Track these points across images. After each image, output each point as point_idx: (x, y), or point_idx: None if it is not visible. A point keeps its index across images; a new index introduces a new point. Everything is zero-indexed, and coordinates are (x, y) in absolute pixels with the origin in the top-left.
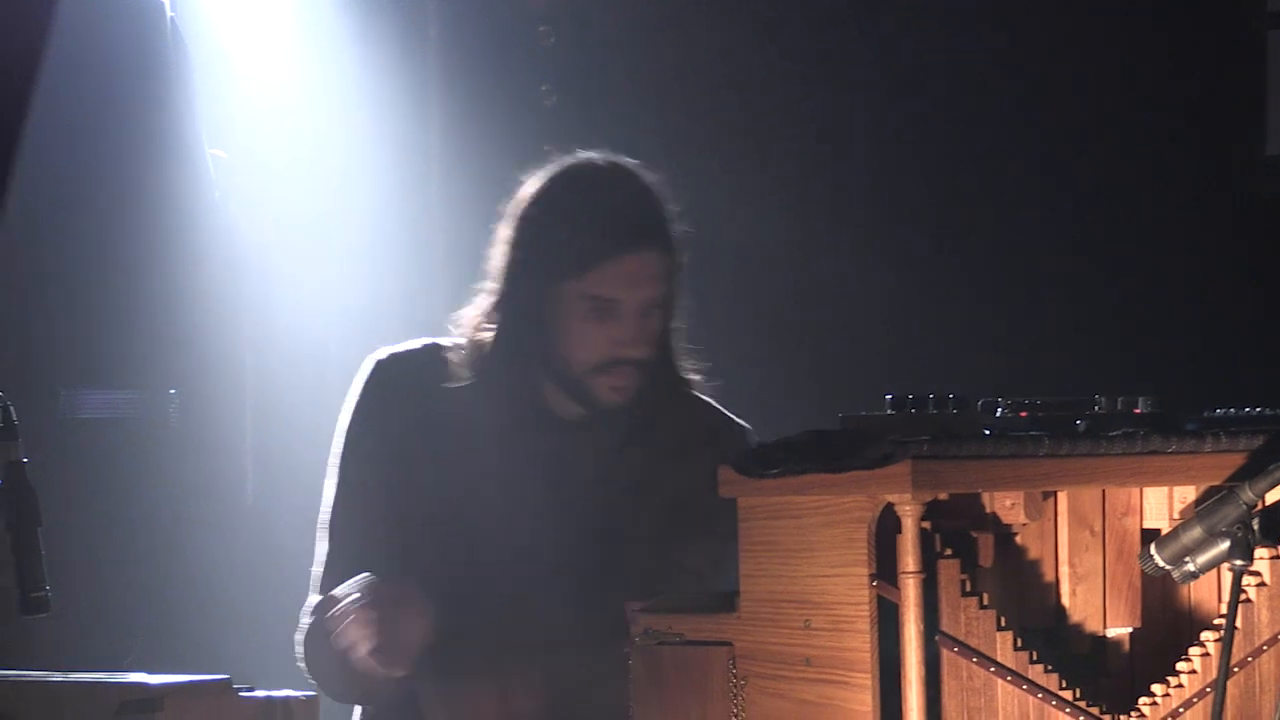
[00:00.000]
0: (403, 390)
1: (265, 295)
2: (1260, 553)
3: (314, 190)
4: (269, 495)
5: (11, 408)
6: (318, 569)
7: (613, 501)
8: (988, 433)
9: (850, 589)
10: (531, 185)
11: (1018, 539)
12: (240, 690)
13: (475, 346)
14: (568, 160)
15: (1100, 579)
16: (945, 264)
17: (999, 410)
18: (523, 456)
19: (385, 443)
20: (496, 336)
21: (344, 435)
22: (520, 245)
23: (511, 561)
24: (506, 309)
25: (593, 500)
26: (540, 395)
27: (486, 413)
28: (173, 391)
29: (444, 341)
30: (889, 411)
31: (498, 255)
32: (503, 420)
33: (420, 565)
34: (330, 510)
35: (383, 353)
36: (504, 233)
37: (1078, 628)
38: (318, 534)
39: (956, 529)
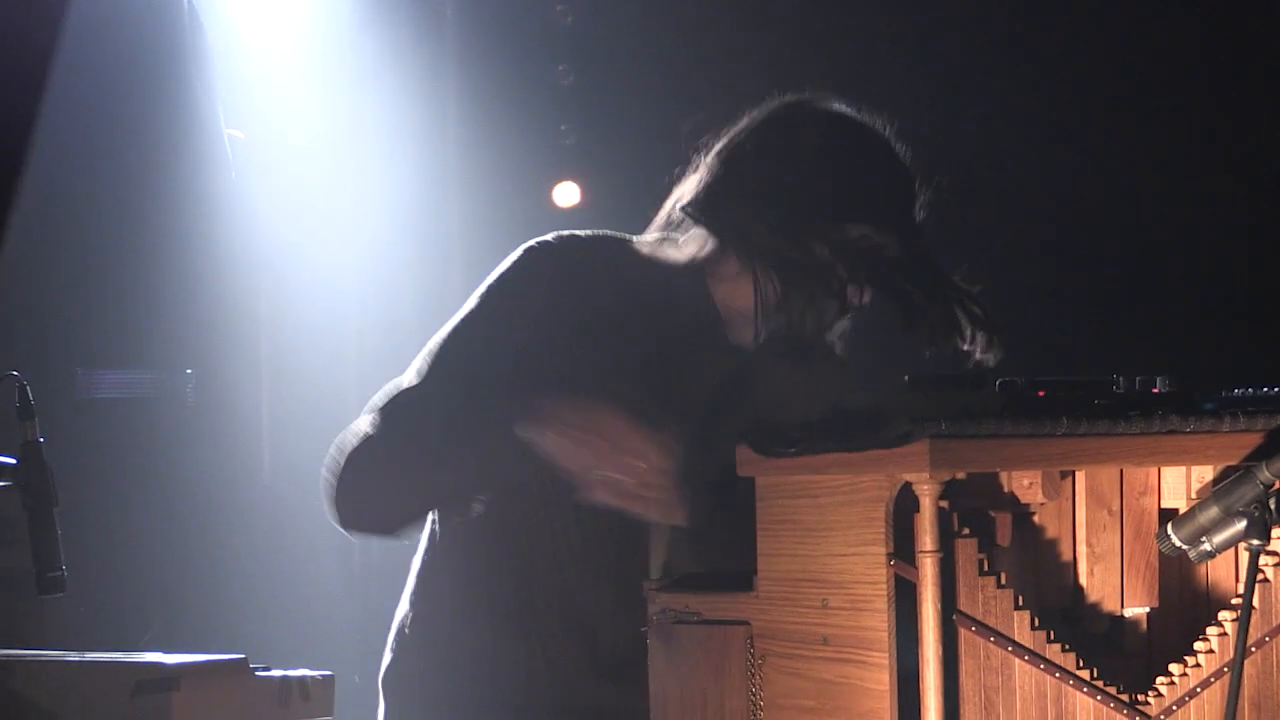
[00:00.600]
0: (593, 276)
1: (281, 275)
2: (1277, 532)
3: (330, 170)
4: (285, 474)
5: (28, 388)
6: (401, 383)
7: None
8: (1006, 412)
9: (868, 568)
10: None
11: (1035, 518)
12: (256, 669)
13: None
14: (841, 113)
15: (1118, 558)
16: (963, 244)
17: (1017, 390)
18: (700, 372)
19: (559, 315)
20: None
21: (508, 290)
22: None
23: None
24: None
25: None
26: (719, 322)
27: (683, 324)
28: (189, 371)
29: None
30: (908, 390)
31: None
32: (702, 337)
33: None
34: (459, 347)
35: (562, 236)
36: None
37: (1095, 607)
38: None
39: (974, 508)
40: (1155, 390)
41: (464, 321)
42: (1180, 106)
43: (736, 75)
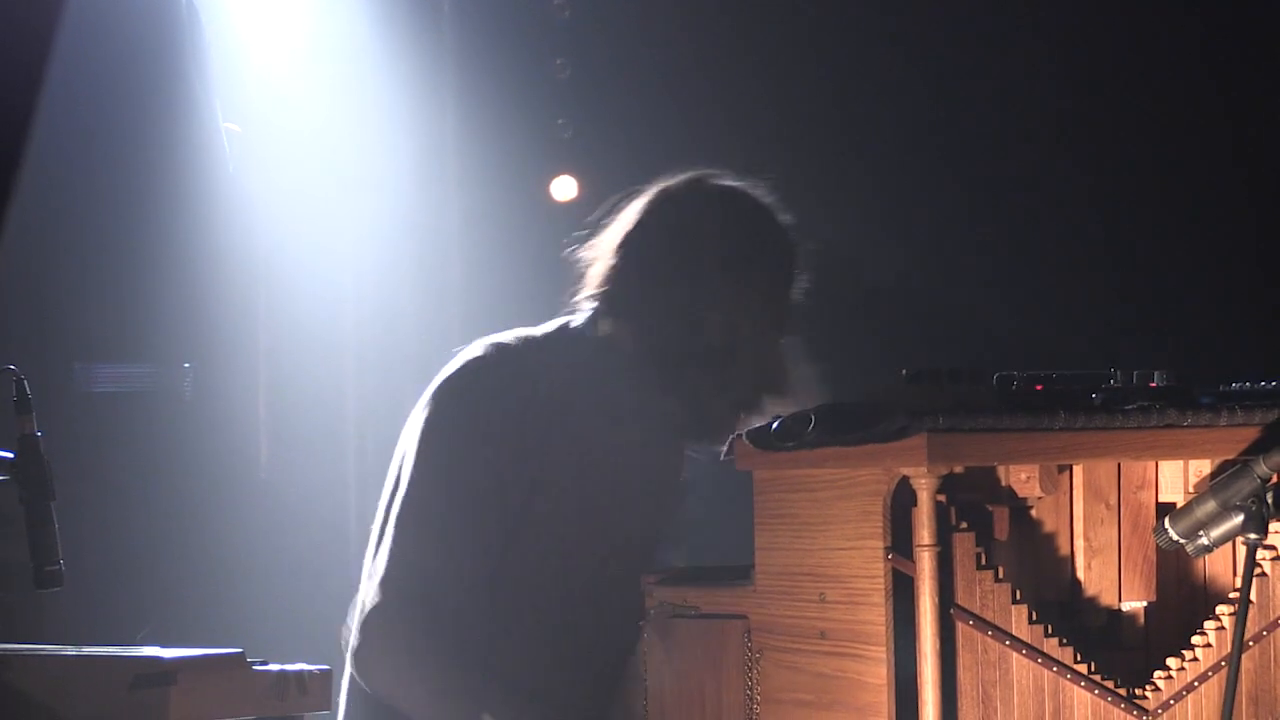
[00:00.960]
0: (523, 396)
1: (279, 269)
2: (1275, 526)
3: (328, 163)
4: (282, 468)
5: (26, 381)
6: (409, 559)
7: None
8: (1003, 406)
9: (865, 562)
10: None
11: (1033, 512)
12: (254, 663)
13: (605, 349)
14: (718, 188)
15: (1115, 552)
16: (962, 240)
17: (1015, 384)
18: (641, 460)
19: (505, 448)
20: (654, 345)
21: (456, 436)
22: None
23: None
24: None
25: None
26: (654, 402)
27: (616, 419)
28: (187, 365)
29: (535, 333)
30: (905, 385)
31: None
32: (629, 426)
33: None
34: (434, 506)
35: (487, 351)
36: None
37: (1093, 601)
38: (397, 524)
39: (972, 502)
40: (1153, 384)
41: (440, 485)
42: (1176, 99)
43: (734, 69)
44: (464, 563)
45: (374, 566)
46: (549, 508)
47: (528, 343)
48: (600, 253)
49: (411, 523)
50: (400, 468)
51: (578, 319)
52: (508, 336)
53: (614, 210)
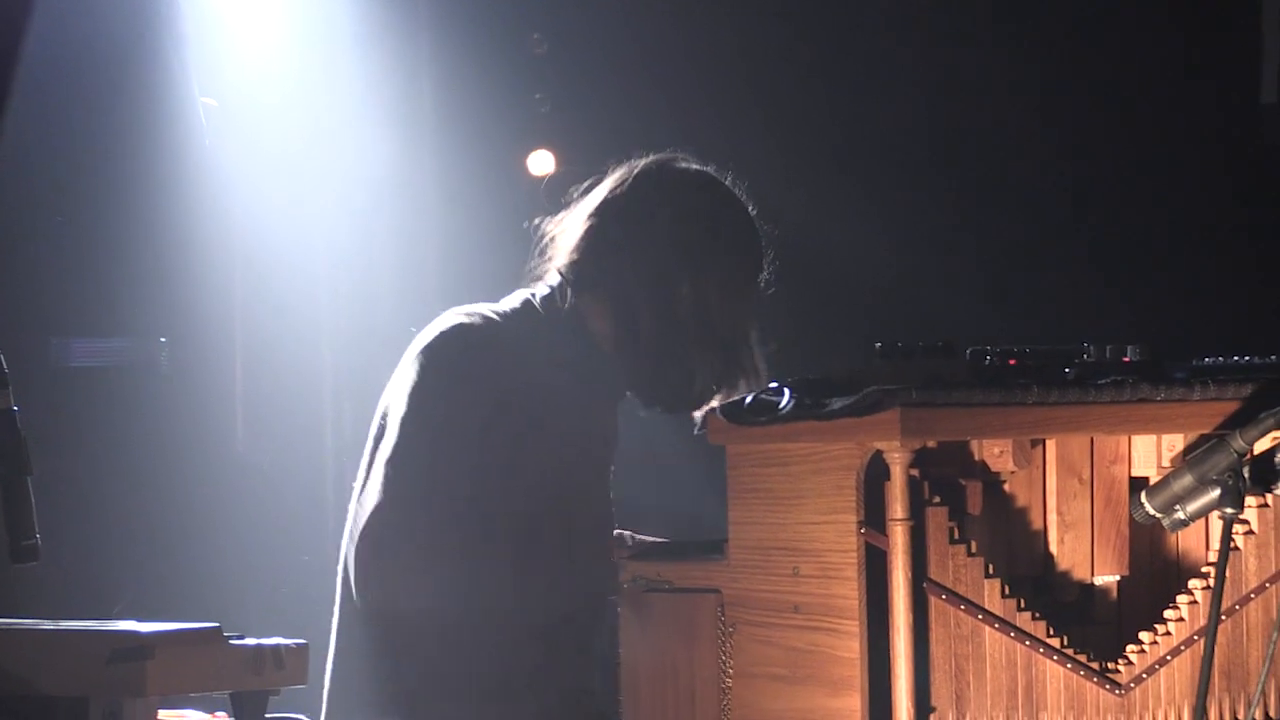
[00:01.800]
0: (504, 365)
1: (255, 243)
2: (1249, 500)
3: (304, 138)
4: (259, 442)
5: (2, 356)
6: (405, 479)
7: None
8: (976, 381)
9: (839, 536)
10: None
11: (1006, 487)
12: (230, 638)
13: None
14: (692, 169)
15: (1089, 527)
16: (934, 214)
17: (988, 358)
18: (602, 432)
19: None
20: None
21: (446, 385)
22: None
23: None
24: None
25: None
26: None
27: (579, 390)
28: (163, 339)
29: (503, 306)
30: (879, 359)
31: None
32: (588, 397)
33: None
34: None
35: (470, 316)
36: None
37: (1066, 575)
38: (389, 463)
39: (945, 477)
40: (1126, 359)
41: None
42: (1146, 69)
43: (712, 45)
44: (456, 488)
45: (363, 501)
46: (527, 467)
47: (500, 314)
48: (569, 226)
49: (403, 460)
50: (384, 422)
51: (540, 290)
52: (482, 307)
53: (585, 190)
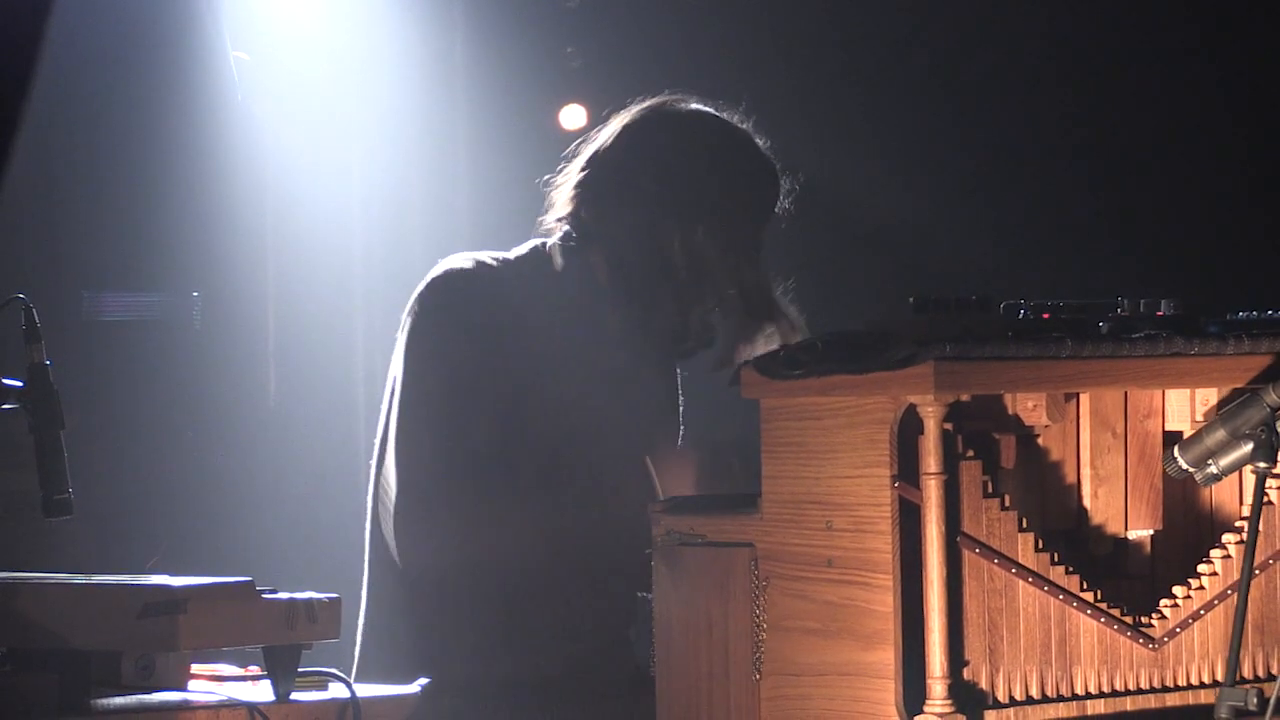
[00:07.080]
0: (496, 303)
1: (288, 197)
2: None
3: (336, 92)
4: (291, 397)
5: (35, 310)
6: (419, 438)
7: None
8: (1010, 334)
9: (872, 490)
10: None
11: (1039, 441)
12: (263, 592)
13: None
14: (687, 110)
15: (1122, 481)
16: (970, 168)
17: (1022, 312)
18: (614, 371)
19: (483, 358)
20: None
21: (440, 328)
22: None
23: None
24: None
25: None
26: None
27: (585, 330)
28: (196, 294)
29: (508, 254)
30: (913, 313)
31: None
32: (597, 337)
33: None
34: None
35: (463, 261)
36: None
37: (1099, 529)
38: (399, 422)
39: (978, 430)
40: (1160, 313)
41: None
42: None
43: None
44: (468, 438)
45: (385, 474)
46: (531, 408)
47: (501, 260)
48: (568, 177)
49: (411, 425)
50: (394, 378)
51: (550, 240)
52: (482, 254)
53: (586, 140)
